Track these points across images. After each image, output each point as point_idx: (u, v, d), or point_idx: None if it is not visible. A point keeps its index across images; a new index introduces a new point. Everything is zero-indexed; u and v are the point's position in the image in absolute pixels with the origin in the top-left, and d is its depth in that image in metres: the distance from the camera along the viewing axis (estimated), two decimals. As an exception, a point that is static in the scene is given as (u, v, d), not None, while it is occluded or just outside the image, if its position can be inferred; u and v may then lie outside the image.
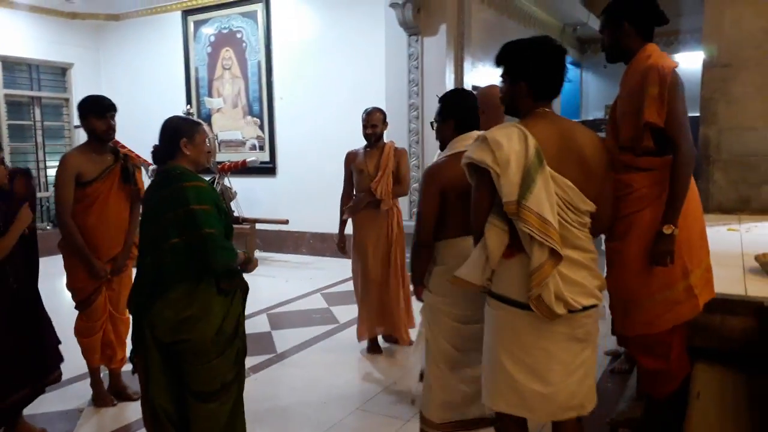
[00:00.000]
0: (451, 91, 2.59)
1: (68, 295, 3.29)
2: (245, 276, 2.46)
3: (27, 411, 3.13)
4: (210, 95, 8.13)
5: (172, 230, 2.25)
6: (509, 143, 1.85)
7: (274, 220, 7.24)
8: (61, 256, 3.25)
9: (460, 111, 2.47)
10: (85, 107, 3.22)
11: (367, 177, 3.99)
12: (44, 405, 3.30)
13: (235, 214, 7.51)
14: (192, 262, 2.25)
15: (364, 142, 4.05)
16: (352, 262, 4.12)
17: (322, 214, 7.15)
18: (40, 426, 3.07)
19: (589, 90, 11.97)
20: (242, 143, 7.96)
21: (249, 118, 7.88)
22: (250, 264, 2.49)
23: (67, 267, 3.27)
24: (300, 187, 7.51)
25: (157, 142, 2.40)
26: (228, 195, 7.29)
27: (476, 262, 1.95)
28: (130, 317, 2.48)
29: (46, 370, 3.00)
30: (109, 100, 3.24)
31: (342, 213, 4.10)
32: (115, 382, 3.47)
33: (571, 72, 7.08)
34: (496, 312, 1.99)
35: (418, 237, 2.43)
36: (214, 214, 2.29)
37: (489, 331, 2.04)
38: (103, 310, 3.29)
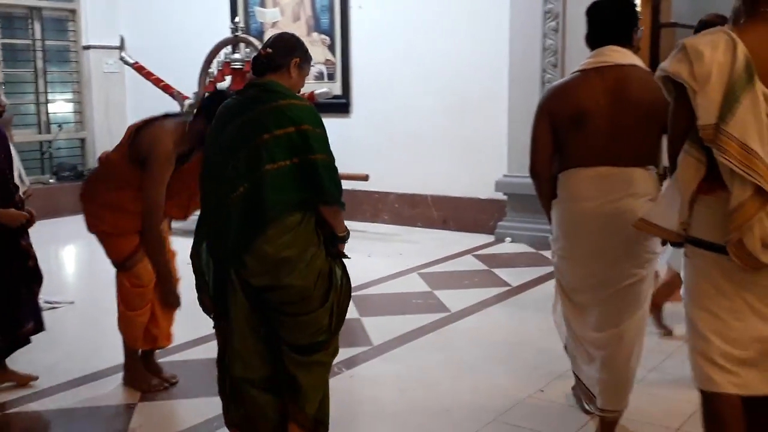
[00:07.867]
0: None
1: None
2: None
3: (68, 404, 3.62)
4: (262, 4, 8.24)
5: (278, 152, 2.56)
6: (713, 53, 2.03)
7: (349, 176, 6.94)
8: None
9: (592, 20, 2.91)
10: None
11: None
12: (85, 398, 3.65)
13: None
14: (296, 192, 2.58)
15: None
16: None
17: (413, 168, 7.22)
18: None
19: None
20: (305, 70, 8.06)
21: (315, 35, 7.98)
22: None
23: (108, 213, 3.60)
24: (383, 131, 7.53)
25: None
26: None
27: (669, 200, 2.19)
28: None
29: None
30: None
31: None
32: (148, 362, 3.78)
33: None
34: (692, 261, 2.23)
35: (530, 167, 3.00)
36: (327, 140, 2.67)
37: (684, 288, 2.31)
38: (152, 273, 3.59)
